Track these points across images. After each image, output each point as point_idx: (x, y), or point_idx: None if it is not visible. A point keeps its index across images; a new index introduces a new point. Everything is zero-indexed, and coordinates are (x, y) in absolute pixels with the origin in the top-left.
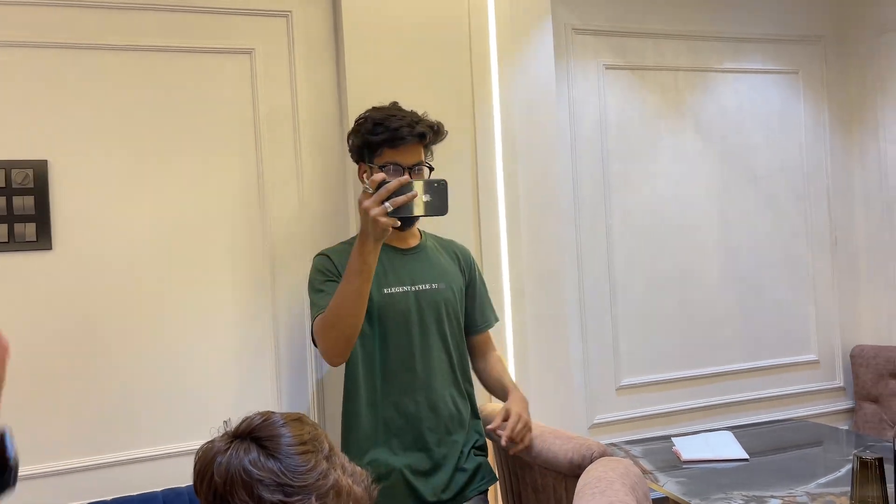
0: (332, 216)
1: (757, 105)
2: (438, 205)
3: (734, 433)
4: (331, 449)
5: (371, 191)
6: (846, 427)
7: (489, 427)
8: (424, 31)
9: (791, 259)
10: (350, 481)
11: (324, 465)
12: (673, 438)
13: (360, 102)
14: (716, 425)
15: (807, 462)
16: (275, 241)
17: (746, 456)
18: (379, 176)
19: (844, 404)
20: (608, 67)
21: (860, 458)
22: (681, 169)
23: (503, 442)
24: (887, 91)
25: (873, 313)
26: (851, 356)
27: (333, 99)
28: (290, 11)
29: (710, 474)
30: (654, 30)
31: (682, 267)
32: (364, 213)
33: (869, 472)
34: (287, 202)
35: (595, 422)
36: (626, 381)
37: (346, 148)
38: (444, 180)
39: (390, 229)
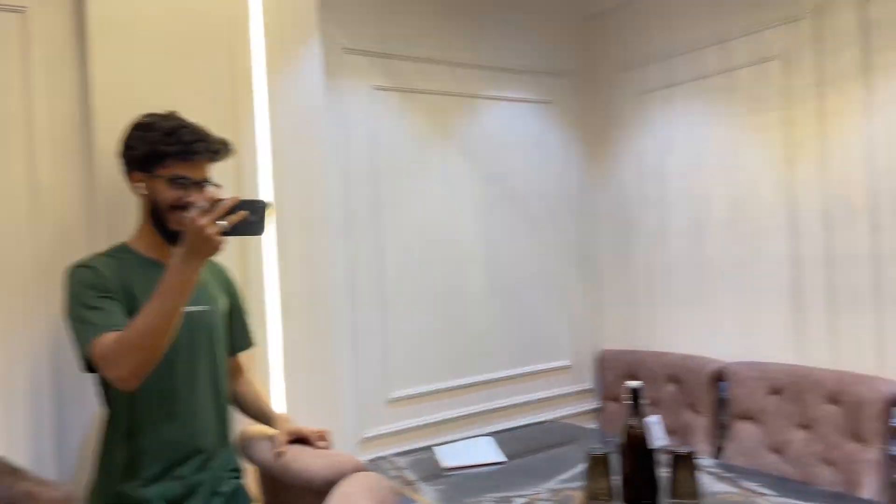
0: (69, 230)
1: (516, 131)
2: (261, 225)
3: (497, 438)
4: (15, 468)
5: (203, 207)
6: (594, 426)
7: (276, 451)
8: (183, 40)
9: (546, 272)
10: (42, 488)
11: (8, 479)
12: (434, 448)
13: (109, 110)
14: (482, 431)
15: (555, 461)
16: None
17: (504, 459)
18: (214, 193)
19: (593, 405)
20: (377, 88)
21: (591, 454)
22: (448, 188)
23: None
24: (623, 123)
25: (616, 321)
26: (598, 360)
27: (77, 104)
28: (25, 7)
29: (468, 480)
30: (421, 54)
31: (450, 281)
32: (197, 230)
33: (598, 466)
34: (14, 215)
35: (365, 436)
36: (396, 394)
37: (92, 156)
38: (265, 201)
39: (220, 248)
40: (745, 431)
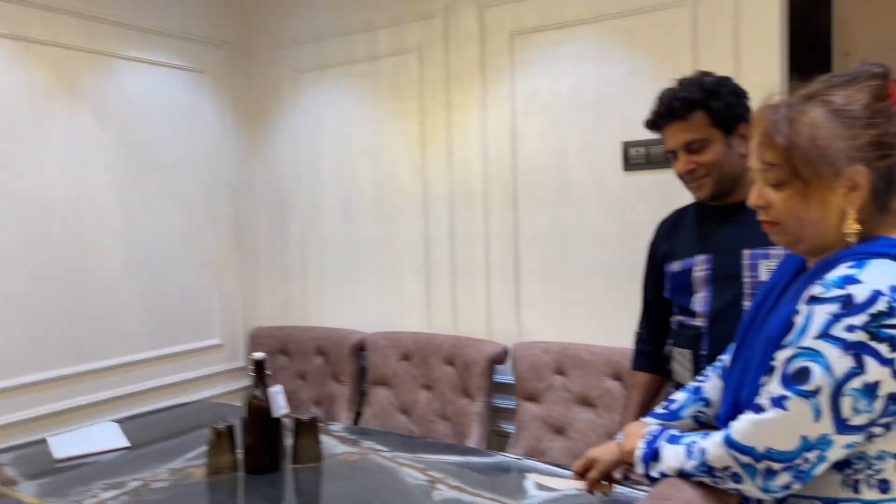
0: None
1: (162, 98)
2: None
3: (137, 422)
4: None
5: None
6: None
7: None
8: None
9: (197, 249)
10: None
11: None
12: (48, 438)
13: None
14: (122, 416)
15: (187, 442)
16: None
17: (126, 444)
18: None
19: (243, 383)
20: None
21: (214, 428)
22: (76, 154)
23: None
24: (279, 100)
25: (272, 299)
26: (251, 338)
27: None
28: None
29: (83, 469)
30: (46, 2)
31: (78, 257)
32: None
33: (221, 440)
34: None
35: None
36: (13, 382)
37: None
38: None
39: None
40: (379, 396)
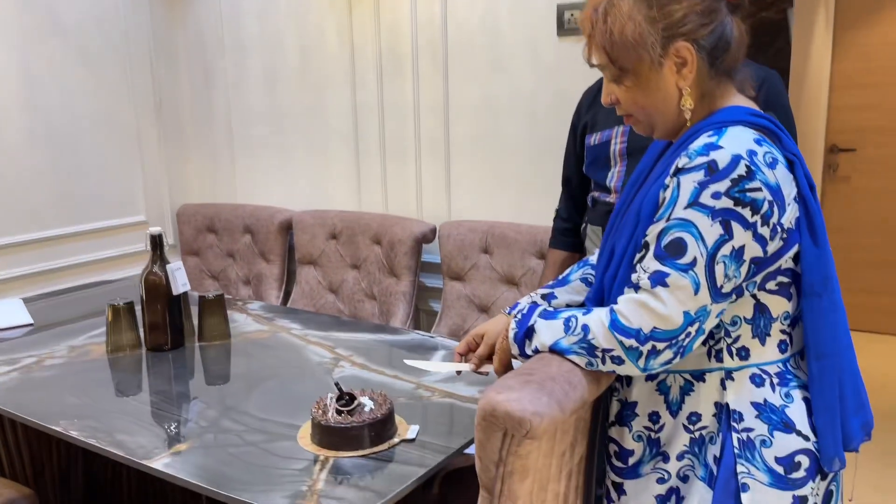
0: None
1: None
2: None
3: (49, 300)
4: None
5: None
6: None
7: None
8: None
9: (114, 121)
10: None
11: None
12: None
13: None
14: (39, 293)
15: (100, 321)
16: None
17: (30, 321)
18: None
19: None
20: None
21: (111, 305)
22: None
23: None
24: None
25: (200, 174)
26: (178, 215)
27: None
28: None
29: None
30: None
31: None
32: None
33: (120, 318)
34: None
35: None
36: None
37: None
38: None
39: None
40: (308, 275)
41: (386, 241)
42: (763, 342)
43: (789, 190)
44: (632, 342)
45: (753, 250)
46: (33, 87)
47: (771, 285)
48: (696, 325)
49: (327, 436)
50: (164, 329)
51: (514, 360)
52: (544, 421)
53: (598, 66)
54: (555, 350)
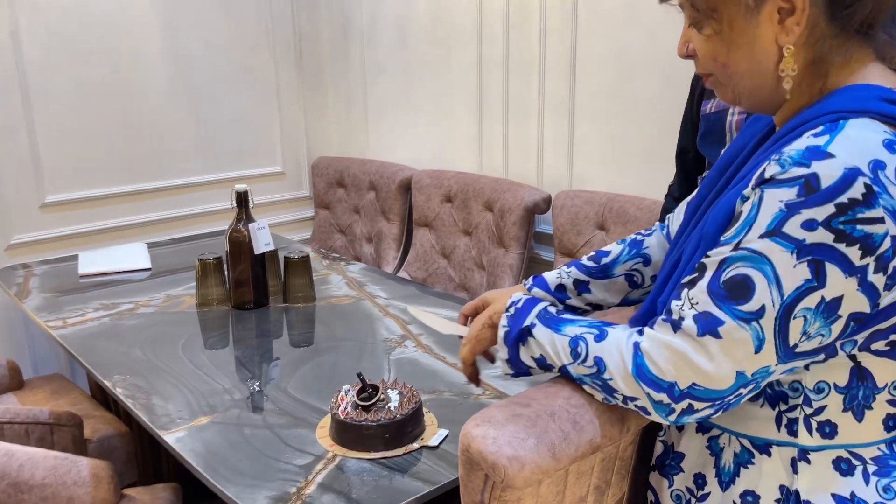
0: None
1: None
2: None
3: (178, 246)
4: None
5: None
6: (310, 233)
7: None
8: None
9: (254, 71)
10: None
11: None
12: (81, 254)
13: None
14: (173, 237)
15: None
16: None
17: (148, 266)
18: None
19: (308, 212)
20: None
21: (200, 259)
22: None
23: None
24: None
25: (337, 128)
26: (312, 167)
27: None
28: None
29: (96, 288)
30: None
31: (119, 74)
32: None
33: (207, 272)
34: None
35: (12, 242)
36: (51, 199)
37: None
38: None
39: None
40: (423, 238)
41: (497, 209)
42: (860, 417)
43: None
44: (662, 396)
45: (856, 304)
46: (176, 37)
47: (879, 345)
48: (750, 387)
49: (339, 432)
50: (248, 287)
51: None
52: (525, 469)
53: (677, 3)
54: (564, 373)
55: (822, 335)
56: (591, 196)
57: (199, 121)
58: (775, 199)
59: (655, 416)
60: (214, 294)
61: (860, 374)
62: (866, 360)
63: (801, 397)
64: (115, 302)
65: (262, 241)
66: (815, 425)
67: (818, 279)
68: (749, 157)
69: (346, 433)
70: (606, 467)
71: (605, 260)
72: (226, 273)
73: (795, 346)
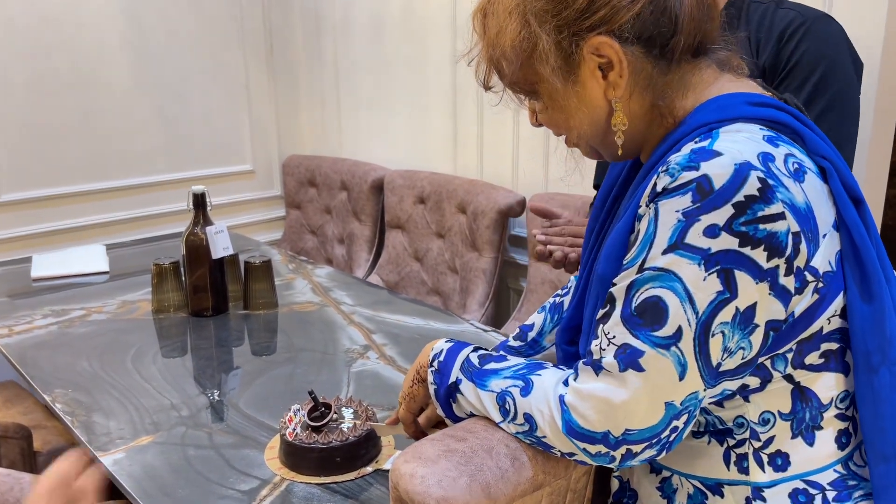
0: None
1: None
2: None
3: (140, 247)
4: None
5: None
6: (281, 233)
7: None
8: None
9: (221, 65)
10: None
11: None
12: (34, 256)
13: None
14: (140, 237)
15: None
16: None
17: (106, 269)
18: None
19: (280, 212)
20: None
21: (156, 264)
22: None
23: None
24: None
25: (310, 125)
26: (283, 166)
27: None
28: None
29: (48, 293)
30: None
31: (80, 69)
32: None
33: (164, 277)
34: None
35: None
36: (5, 198)
37: None
38: None
39: None
40: (395, 240)
41: (470, 211)
42: (810, 441)
43: (824, 213)
44: (598, 448)
45: (770, 311)
46: (139, 30)
47: (813, 359)
48: (683, 418)
49: (288, 454)
50: (207, 293)
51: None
52: None
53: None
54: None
55: (743, 348)
56: (566, 199)
57: (164, 117)
58: (671, 210)
59: (597, 464)
60: (171, 300)
61: (802, 396)
62: (804, 378)
63: (748, 431)
64: (67, 308)
65: (219, 246)
66: (765, 459)
67: (730, 289)
68: (625, 189)
69: (295, 456)
70: (556, 501)
71: (531, 335)
72: (183, 278)
73: (719, 365)
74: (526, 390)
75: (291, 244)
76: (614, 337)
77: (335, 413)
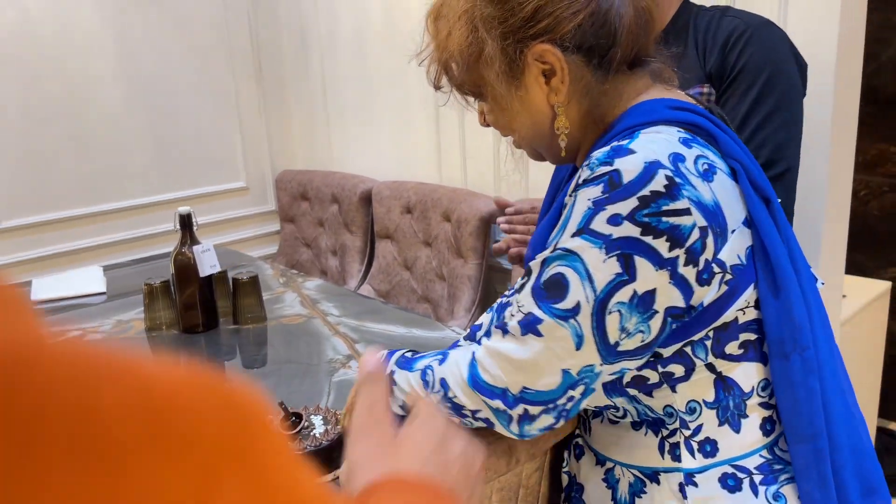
0: None
1: None
2: None
3: (137, 266)
4: None
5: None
6: (277, 248)
7: None
8: None
9: (213, 85)
10: None
11: None
12: (34, 280)
13: None
14: (139, 257)
15: None
16: None
17: (102, 290)
18: None
19: (275, 227)
20: None
21: (147, 284)
22: None
23: None
24: None
25: (301, 141)
26: (276, 181)
27: None
28: None
29: (50, 315)
30: None
31: (71, 94)
32: None
33: (155, 296)
34: None
35: None
36: (4, 225)
37: None
38: None
39: None
40: (385, 250)
41: (454, 219)
42: (737, 428)
43: (734, 210)
44: (498, 403)
45: (669, 298)
46: (128, 54)
47: (732, 349)
48: (579, 388)
49: None
50: (197, 311)
51: None
52: None
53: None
54: None
55: (642, 332)
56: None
57: (157, 139)
58: (584, 199)
59: (500, 428)
60: (163, 318)
61: (725, 385)
62: (725, 368)
63: (677, 420)
64: (65, 329)
65: (207, 264)
66: (696, 446)
67: (628, 272)
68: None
69: None
70: (508, 497)
71: (480, 334)
72: (173, 297)
73: (617, 343)
74: (443, 360)
75: (287, 258)
76: (523, 306)
77: (306, 421)
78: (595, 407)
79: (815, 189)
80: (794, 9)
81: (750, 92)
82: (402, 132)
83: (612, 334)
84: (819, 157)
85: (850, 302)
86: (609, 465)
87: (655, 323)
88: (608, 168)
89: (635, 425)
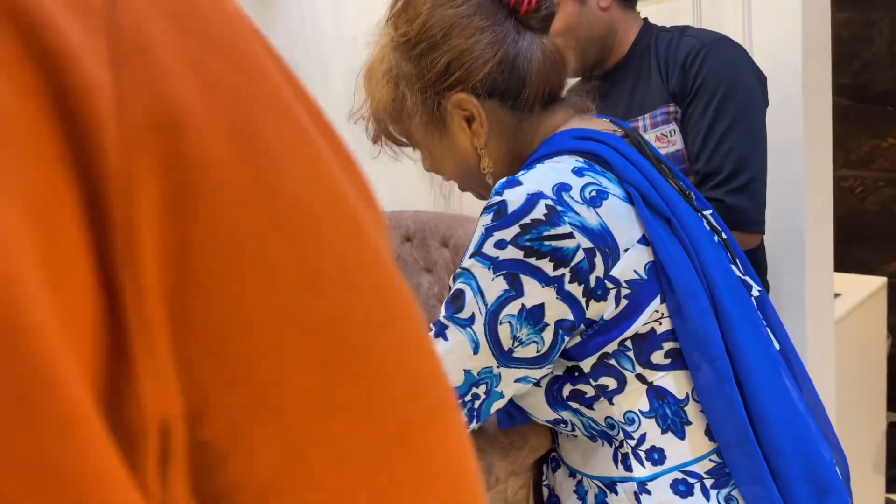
0: None
1: None
2: None
3: None
4: None
5: None
6: None
7: None
8: None
9: None
10: None
11: None
12: None
13: None
14: None
15: None
16: None
17: None
18: None
19: None
20: None
21: None
22: None
23: None
24: None
25: None
26: None
27: None
28: None
29: None
30: None
31: None
32: None
33: None
34: None
35: None
36: None
37: None
38: None
39: None
40: None
41: (452, 245)
42: (681, 435)
43: (627, 230)
44: None
45: (558, 312)
46: None
47: (658, 358)
48: (482, 387)
49: None
50: None
51: None
52: None
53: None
54: None
55: (536, 342)
56: None
57: None
58: (481, 225)
59: None
60: None
61: (657, 394)
62: (655, 377)
63: (621, 432)
64: None
65: None
66: (643, 455)
67: (515, 289)
68: None
69: None
70: None
71: None
72: None
73: (511, 350)
74: None
75: None
76: (441, 314)
77: None
78: (545, 421)
79: (794, 192)
80: (758, 21)
81: (710, 106)
82: (398, 161)
83: (505, 342)
84: (795, 160)
85: (844, 300)
86: (578, 477)
87: (547, 335)
88: (498, 199)
89: (592, 437)
